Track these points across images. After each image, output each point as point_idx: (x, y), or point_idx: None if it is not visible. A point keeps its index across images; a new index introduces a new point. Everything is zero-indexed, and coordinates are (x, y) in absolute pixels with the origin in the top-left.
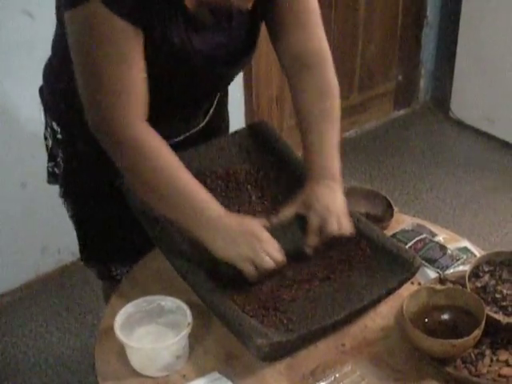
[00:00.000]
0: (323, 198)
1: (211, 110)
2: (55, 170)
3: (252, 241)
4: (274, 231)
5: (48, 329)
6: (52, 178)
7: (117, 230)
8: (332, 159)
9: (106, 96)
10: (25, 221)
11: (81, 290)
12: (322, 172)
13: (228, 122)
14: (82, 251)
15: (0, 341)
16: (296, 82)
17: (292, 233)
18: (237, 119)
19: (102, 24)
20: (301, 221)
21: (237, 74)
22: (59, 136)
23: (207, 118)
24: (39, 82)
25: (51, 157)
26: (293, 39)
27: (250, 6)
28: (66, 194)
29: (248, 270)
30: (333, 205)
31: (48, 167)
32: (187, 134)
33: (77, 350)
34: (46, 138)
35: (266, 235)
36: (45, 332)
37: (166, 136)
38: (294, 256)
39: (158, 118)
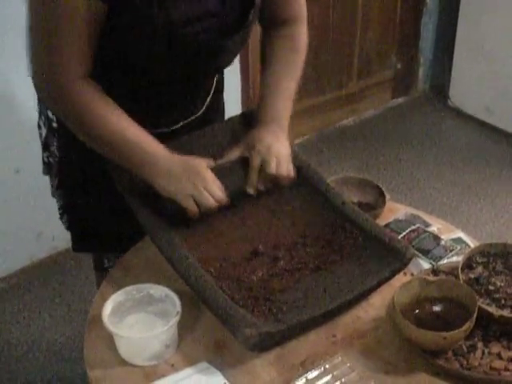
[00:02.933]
0: (266, 141)
1: (208, 98)
2: (50, 159)
3: (195, 179)
4: (218, 171)
5: (41, 315)
6: (46, 167)
7: (109, 221)
8: (282, 109)
9: (50, 53)
10: (19, 207)
11: (75, 277)
12: (269, 119)
13: (224, 110)
14: (74, 241)
15: None
16: (267, 35)
17: (235, 173)
18: (233, 106)
19: None
20: (244, 163)
21: (232, 52)
22: (55, 124)
23: (205, 106)
24: None
25: (46, 146)
26: (278, 8)
27: None
28: (60, 184)
29: (189, 206)
30: (274, 147)
31: (43, 157)
32: (185, 121)
33: (70, 338)
34: (39, 127)
35: (209, 174)
36: (38, 319)
37: (163, 123)
38: (237, 196)
39: (155, 105)
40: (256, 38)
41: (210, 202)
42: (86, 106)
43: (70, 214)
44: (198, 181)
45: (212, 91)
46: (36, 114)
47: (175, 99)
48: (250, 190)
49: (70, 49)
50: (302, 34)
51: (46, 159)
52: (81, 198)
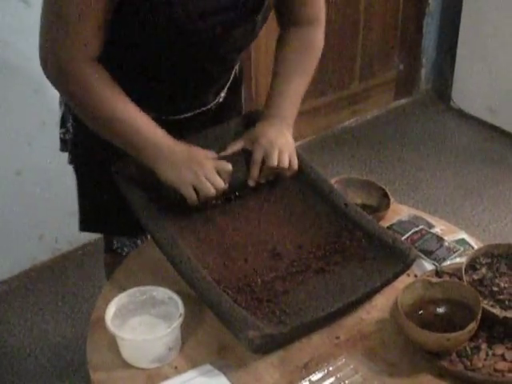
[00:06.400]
0: (269, 135)
1: (222, 93)
2: (66, 136)
3: (195, 167)
4: None
5: (44, 318)
6: (63, 144)
7: (117, 202)
8: (289, 106)
9: (58, 30)
10: (21, 209)
11: (77, 279)
12: (274, 114)
13: (242, 106)
14: (81, 220)
15: None
16: (283, 34)
17: (237, 166)
18: None
19: None
20: (246, 156)
21: (242, 44)
22: None
23: (217, 100)
24: (37, 69)
25: (62, 122)
26: (297, 8)
27: None
28: (73, 160)
29: (189, 194)
30: (276, 140)
31: (60, 133)
32: (196, 111)
33: (72, 340)
34: (60, 105)
35: (210, 163)
36: (41, 321)
37: (174, 110)
38: (238, 188)
39: (164, 91)
40: (259, 37)
41: (211, 190)
42: (91, 88)
43: (80, 191)
44: (198, 169)
45: (227, 86)
46: (38, 116)
47: (183, 87)
48: (251, 183)
49: (78, 29)
50: (318, 36)
51: (62, 135)
52: (91, 176)
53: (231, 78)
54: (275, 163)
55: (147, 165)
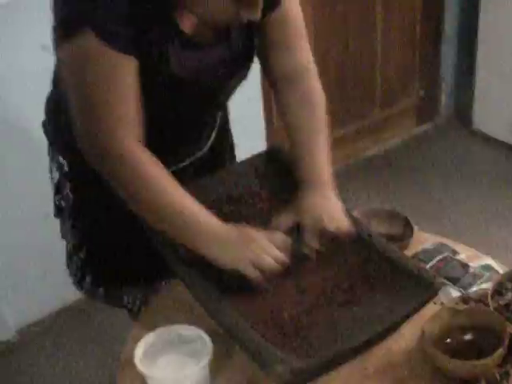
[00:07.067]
0: (316, 204)
1: (214, 133)
2: (62, 202)
3: (251, 243)
4: None
5: (75, 358)
6: (58, 211)
7: (126, 257)
8: (322, 165)
9: (99, 123)
10: (50, 251)
11: (107, 319)
12: (314, 182)
13: (232, 141)
14: (91, 281)
15: (27, 371)
16: (280, 96)
17: (292, 239)
18: (257, 136)
19: (95, 56)
20: (296, 228)
21: (236, 88)
22: (66, 169)
23: (211, 140)
24: None
25: (58, 190)
26: (281, 60)
27: (259, 16)
28: (74, 226)
29: (250, 272)
30: (326, 207)
31: (55, 200)
32: (192, 158)
33: (103, 380)
34: (51, 171)
35: (264, 238)
36: (72, 361)
37: (172, 162)
38: (296, 260)
39: (162, 144)
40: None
41: (271, 263)
42: (144, 175)
43: (85, 252)
44: (254, 245)
45: (216, 127)
46: None
47: (179, 138)
48: (309, 251)
49: (114, 113)
50: (315, 88)
51: (57, 202)
52: (97, 236)
53: (218, 120)
54: (333, 228)
55: (197, 249)
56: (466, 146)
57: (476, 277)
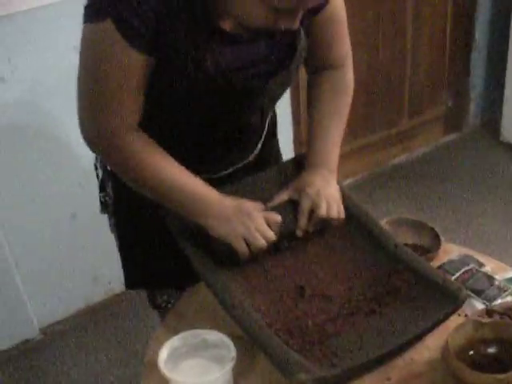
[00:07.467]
0: (315, 184)
1: (260, 143)
2: (106, 199)
3: (246, 220)
4: None
5: (98, 358)
6: (104, 207)
7: (161, 259)
8: (331, 153)
9: (101, 104)
10: (75, 251)
11: (131, 319)
12: (318, 163)
13: (279, 154)
14: (126, 277)
15: (51, 370)
16: (314, 78)
17: (286, 215)
18: (285, 149)
19: (109, 46)
20: (293, 205)
21: (280, 91)
22: (109, 167)
23: (256, 151)
24: None
25: (102, 187)
26: (325, 53)
27: (297, 26)
28: (116, 223)
29: (241, 247)
30: (323, 190)
31: (100, 197)
32: (235, 167)
33: (126, 380)
34: (96, 168)
35: (259, 216)
36: (94, 361)
37: (214, 170)
38: (288, 237)
39: (203, 152)
40: (305, 82)
41: (261, 242)
42: (137, 156)
43: (124, 251)
44: (248, 222)
45: (263, 135)
46: (89, 158)
47: (222, 143)
48: (299, 233)
49: (118, 102)
50: (347, 78)
51: (102, 199)
52: (134, 236)
53: (266, 127)
54: (324, 214)
55: (197, 221)
56: (494, 156)
57: (501, 289)
